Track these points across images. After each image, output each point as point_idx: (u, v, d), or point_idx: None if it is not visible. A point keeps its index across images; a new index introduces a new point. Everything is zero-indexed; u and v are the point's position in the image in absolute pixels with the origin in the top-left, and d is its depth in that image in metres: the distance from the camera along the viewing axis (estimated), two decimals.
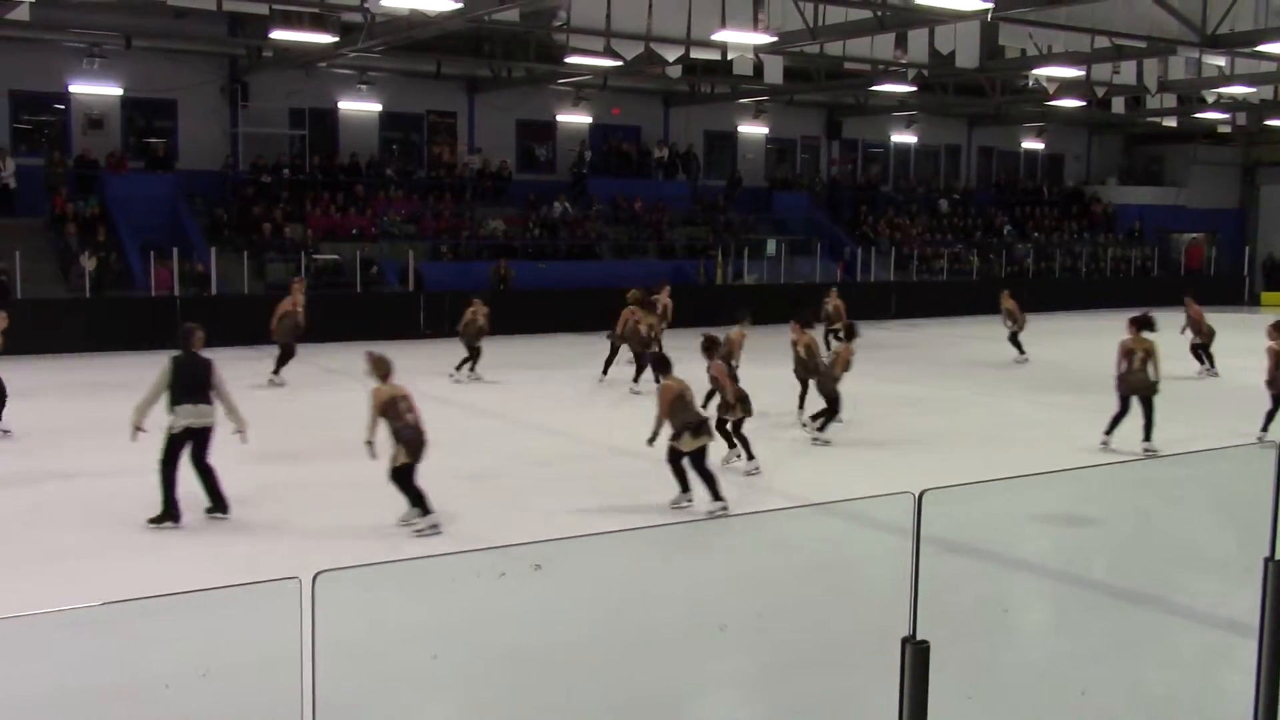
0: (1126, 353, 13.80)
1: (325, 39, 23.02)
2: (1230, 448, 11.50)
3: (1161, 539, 10.42)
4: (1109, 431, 13.93)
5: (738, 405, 12.59)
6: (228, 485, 12.13)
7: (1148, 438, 13.82)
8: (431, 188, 32.35)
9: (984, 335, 24.98)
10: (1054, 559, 9.94)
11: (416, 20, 21.48)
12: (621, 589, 8.40)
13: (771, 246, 34.47)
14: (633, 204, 34.54)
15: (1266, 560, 6.65)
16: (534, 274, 29.96)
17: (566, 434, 15.44)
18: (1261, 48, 23.21)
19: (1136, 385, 13.74)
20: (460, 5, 19.12)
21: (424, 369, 20.11)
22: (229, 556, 9.57)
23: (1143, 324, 13.92)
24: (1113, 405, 14.11)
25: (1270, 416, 14.46)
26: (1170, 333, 18.08)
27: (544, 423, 16.12)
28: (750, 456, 12.77)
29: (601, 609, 8.33)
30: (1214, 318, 22.34)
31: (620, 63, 25.37)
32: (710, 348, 12.64)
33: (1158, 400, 13.94)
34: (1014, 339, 23.52)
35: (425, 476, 10.33)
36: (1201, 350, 21.70)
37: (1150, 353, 13.70)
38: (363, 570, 4.17)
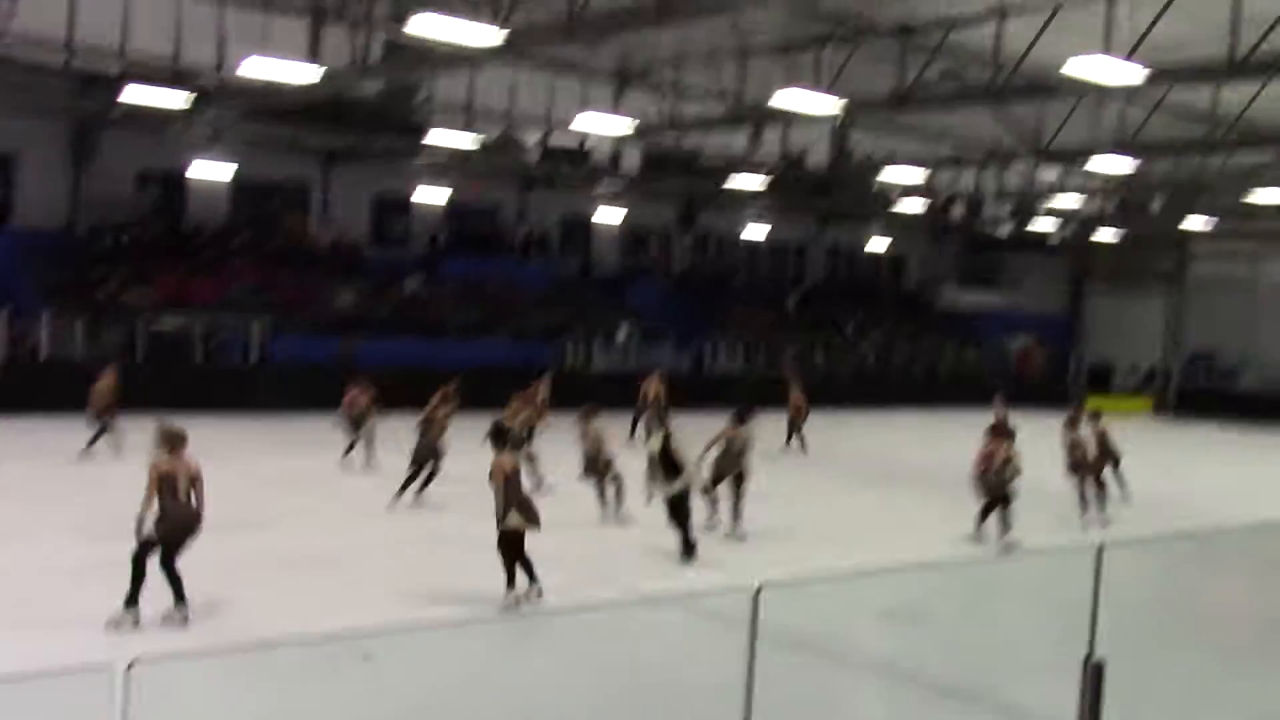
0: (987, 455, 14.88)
1: (178, 101, 22.51)
2: (1065, 549, 11.96)
3: (991, 636, 10.71)
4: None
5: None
6: (56, 563, 11.59)
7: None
8: (283, 259, 31.72)
9: (826, 429, 25.51)
10: (888, 654, 10.10)
11: (273, 89, 21.23)
12: (452, 681, 8.21)
13: (622, 333, 34.55)
14: (486, 285, 34.42)
15: (1085, 659, 6.89)
16: (382, 352, 29.36)
17: (407, 518, 15.17)
18: (1089, 167, 24.61)
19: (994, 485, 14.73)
20: (319, 78, 18.99)
21: (263, 447, 19.60)
22: (47, 640, 9.07)
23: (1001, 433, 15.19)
24: (955, 499, 14.67)
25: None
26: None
27: (383, 505, 15.73)
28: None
29: (431, 702, 8.12)
30: (1045, 421, 23.11)
31: (480, 144, 25.53)
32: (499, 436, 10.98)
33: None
34: (790, 426, 23.91)
35: (247, 560, 10.01)
36: None
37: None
38: (181, 659, 4.01)
